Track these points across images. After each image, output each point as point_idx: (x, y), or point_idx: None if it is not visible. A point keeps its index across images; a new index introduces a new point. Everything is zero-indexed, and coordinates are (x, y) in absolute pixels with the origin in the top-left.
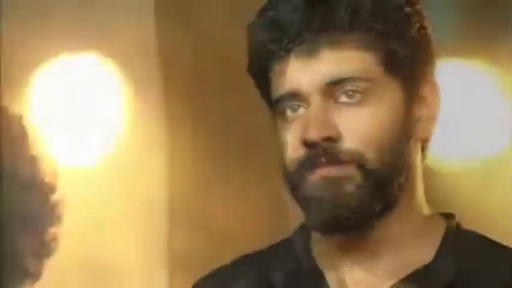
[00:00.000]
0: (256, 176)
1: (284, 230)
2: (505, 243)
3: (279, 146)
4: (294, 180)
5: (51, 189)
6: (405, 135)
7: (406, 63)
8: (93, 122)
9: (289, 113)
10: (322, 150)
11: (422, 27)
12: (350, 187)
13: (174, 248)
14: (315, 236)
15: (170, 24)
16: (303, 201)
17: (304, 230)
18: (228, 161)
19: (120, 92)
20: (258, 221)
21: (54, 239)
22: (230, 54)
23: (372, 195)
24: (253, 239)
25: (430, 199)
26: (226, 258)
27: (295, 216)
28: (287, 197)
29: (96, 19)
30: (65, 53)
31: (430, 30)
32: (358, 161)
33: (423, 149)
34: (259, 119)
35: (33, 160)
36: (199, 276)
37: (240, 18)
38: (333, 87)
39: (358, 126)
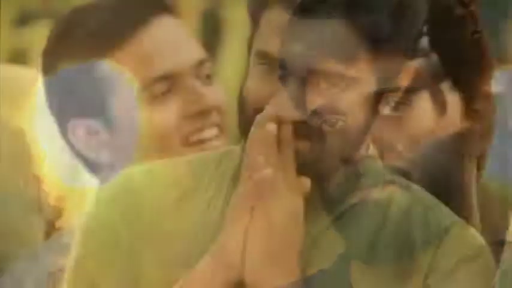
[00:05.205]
0: None
1: None
2: None
3: None
4: None
5: (57, 213)
6: (456, 152)
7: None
8: None
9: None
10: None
11: (476, 31)
12: (394, 209)
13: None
14: None
15: None
16: None
17: None
18: None
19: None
20: None
21: (60, 269)
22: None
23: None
24: None
25: (486, 224)
26: None
27: None
28: None
29: None
30: None
31: (485, 35)
32: (402, 180)
33: (478, 168)
34: None
35: (35, 181)
36: None
37: None
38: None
39: (403, 142)
